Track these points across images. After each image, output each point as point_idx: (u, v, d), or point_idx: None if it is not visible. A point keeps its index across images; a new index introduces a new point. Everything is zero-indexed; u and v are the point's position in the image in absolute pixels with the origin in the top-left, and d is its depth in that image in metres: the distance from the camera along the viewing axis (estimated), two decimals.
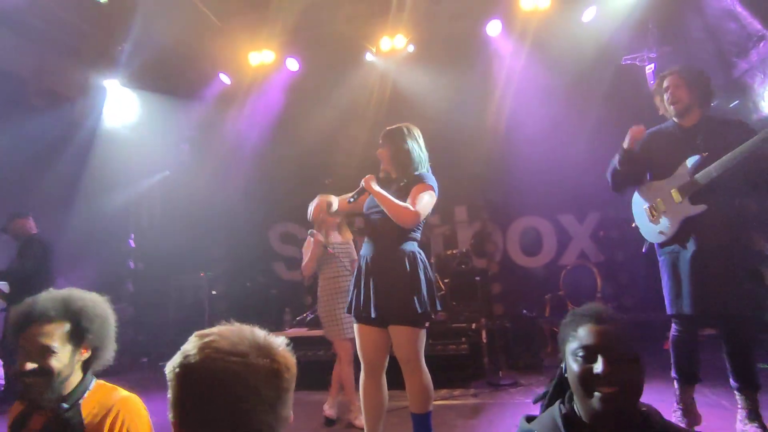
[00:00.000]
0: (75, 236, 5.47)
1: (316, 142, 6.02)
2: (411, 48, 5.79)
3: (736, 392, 2.42)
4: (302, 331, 4.68)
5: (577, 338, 1.21)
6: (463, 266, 4.94)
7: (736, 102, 4.77)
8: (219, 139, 6.44)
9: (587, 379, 1.15)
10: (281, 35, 5.72)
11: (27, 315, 1.41)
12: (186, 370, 0.83)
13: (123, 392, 1.53)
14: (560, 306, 5.20)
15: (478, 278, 4.88)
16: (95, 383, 1.52)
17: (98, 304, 1.56)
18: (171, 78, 5.91)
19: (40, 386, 1.37)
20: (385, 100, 6.17)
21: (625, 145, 2.60)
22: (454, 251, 5.30)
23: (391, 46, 5.74)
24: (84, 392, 1.46)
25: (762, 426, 2.35)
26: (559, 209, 6.14)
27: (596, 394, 1.14)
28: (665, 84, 2.63)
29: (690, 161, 2.44)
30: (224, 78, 6.22)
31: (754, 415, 2.37)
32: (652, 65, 5.30)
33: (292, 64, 6.06)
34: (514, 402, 3.56)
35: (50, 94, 5.63)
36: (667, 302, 2.53)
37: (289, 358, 0.88)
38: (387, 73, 6.07)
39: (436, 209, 5.93)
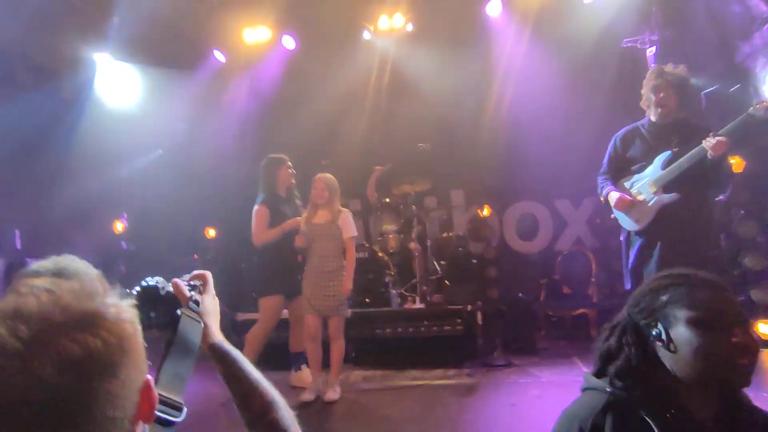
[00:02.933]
0: (65, 216, 5.39)
1: (313, 122, 5.93)
2: (410, 27, 5.68)
3: None
4: None
5: (699, 307, 1.07)
6: (459, 249, 4.92)
7: (737, 86, 4.73)
8: (214, 118, 6.33)
9: (726, 351, 1.03)
10: (277, 12, 5.59)
11: (24, 273, 1.38)
12: None
13: None
14: (555, 291, 5.22)
15: (474, 261, 4.87)
16: None
17: (91, 274, 1.52)
18: (164, 53, 5.76)
19: None
20: (383, 79, 6.08)
21: (611, 204, 2.95)
22: (450, 234, 5.28)
23: (389, 25, 5.64)
24: None
25: None
26: (556, 194, 6.12)
27: (738, 370, 1.03)
28: (658, 86, 2.88)
29: (662, 156, 2.79)
30: (219, 55, 6.09)
31: None
32: (653, 48, 5.23)
33: (289, 42, 5.94)
34: (508, 381, 3.58)
35: (38, 71, 5.48)
36: (629, 279, 2.88)
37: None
38: (385, 53, 5.97)
39: (433, 192, 5.99)
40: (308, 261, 3.50)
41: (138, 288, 0.93)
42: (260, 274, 3.81)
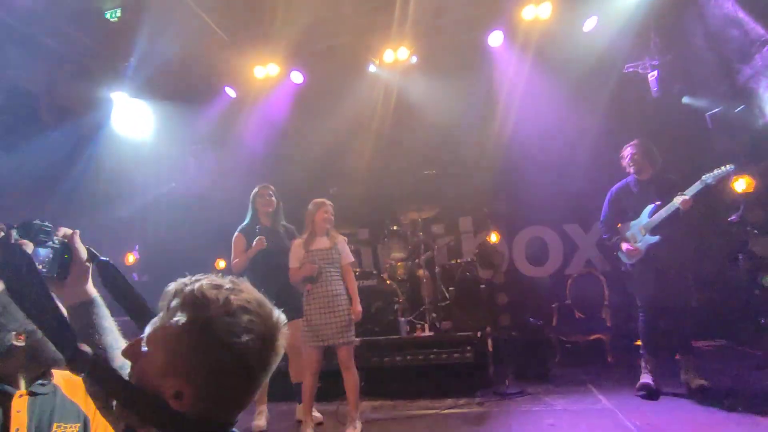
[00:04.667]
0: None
1: (320, 152, 6.05)
2: (414, 59, 5.84)
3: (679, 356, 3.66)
4: None
5: None
6: (467, 274, 4.88)
7: (742, 107, 4.74)
8: (225, 151, 6.50)
9: None
10: (286, 49, 5.81)
11: None
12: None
13: None
14: (567, 316, 5.10)
15: (482, 286, 4.81)
16: None
17: None
18: (178, 91, 6.00)
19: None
20: (388, 110, 6.21)
21: (623, 251, 3.77)
22: (459, 260, 5.24)
23: (394, 58, 5.79)
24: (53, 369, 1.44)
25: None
26: (565, 219, 6.08)
27: None
28: (628, 151, 3.85)
29: (649, 208, 3.68)
30: (230, 91, 6.30)
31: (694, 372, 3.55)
32: (655, 72, 5.30)
33: (297, 77, 6.13)
34: (521, 410, 3.46)
35: (60, 110, 5.73)
36: (640, 297, 3.73)
37: None
38: (390, 84, 6.12)
39: (441, 219, 6.00)
40: (312, 288, 3.45)
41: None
42: None
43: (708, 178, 3.50)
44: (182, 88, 6.04)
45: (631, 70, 5.46)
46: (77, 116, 5.67)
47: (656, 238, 3.61)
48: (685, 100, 5.35)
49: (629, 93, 5.56)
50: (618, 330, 4.84)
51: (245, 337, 0.79)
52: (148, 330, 0.84)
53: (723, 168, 3.50)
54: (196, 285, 0.82)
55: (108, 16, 5.35)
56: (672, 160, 5.30)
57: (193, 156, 6.60)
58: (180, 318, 0.79)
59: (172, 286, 0.85)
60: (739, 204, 4.58)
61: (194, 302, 0.80)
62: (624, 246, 3.73)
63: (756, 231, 4.28)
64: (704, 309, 4.95)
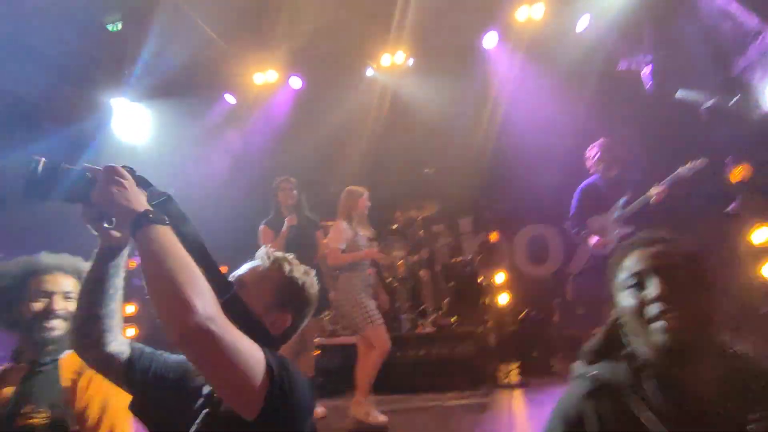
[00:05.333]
0: (80, 255, 5.49)
1: (320, 153, 6.10)
2: (411, 62, 5.92)
3: None
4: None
5: (624, 269, 1.02)
6: (467, 269, 4.87)
7: (737, 97, 4.76)
8: (224, 157, 6.55)
9: (642, 310, 0.94)
10: (284, 55, 5.90)
11: (38, 264, 1.45)
12: None
13: None
14: (569, 311, 5.07)
15: (483, 284, 4.80)
16: None
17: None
18: (177, 99, 6.07)
19: (63, 330, 1.43)
20: (387, 112, 6.27)
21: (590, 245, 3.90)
22: (459, 258, 5.24)
23: (391, 62, 5.87)
24: (63, 351, 1.45)
25: None
26: (566, 216, 6.07)
27: (655, 324, 0.91)
28: (594, 151, 3.99)
29: (621, 201, 3.79)
30: (229, 98, 6.38)
31: None
32: (649, 68, 5.35)
33: (296, 82, 6.21)
34: (524, 400, 3.43)
35: (60, 118, 5.81)
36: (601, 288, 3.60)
37: None
38: (388, 88, 6.20)
39: (441, 218, 6.01)
40: (361, 273, 3.47)
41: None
42: None
43: (683, 170, 3.61)
44: (181, 94, 6.11)
45: (624, 66, 5.51)
46: (76, 122, 5.74)
47: (630, 228, 3.68)
48: (680, 94, 5.38)
49: (623, 89, 5.60)
50: None
51: (308, 287, 1.25)
52: (245, 272, 1.24)
53: (697, 161, 3.63)
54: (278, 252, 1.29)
55: (110, 27, 5.47)
56: (668, 154, 5.34)
57: (192, 161, 6.64)
58: (286, 268, 1.23)
59: (262, 251, 1.27)
60: (736, 195, 4.58)
61: (283, 260, 1.26)
62: (591, 240, 3.84)
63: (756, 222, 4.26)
64: None
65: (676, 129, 5.37)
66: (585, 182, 4.08)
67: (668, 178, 3.62)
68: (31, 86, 5.48)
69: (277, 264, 1.23)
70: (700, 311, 0.92)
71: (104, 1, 5.23)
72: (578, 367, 1.07)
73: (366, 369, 3.28)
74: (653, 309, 0.92)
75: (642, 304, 0.95)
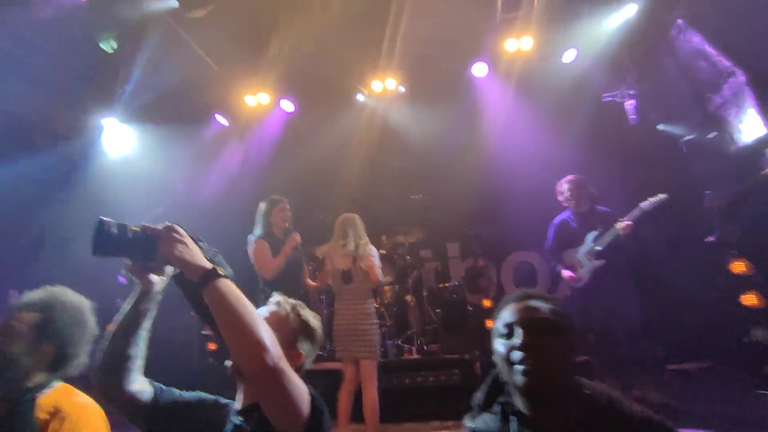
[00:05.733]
0: (69, 274, 5.42)
1: (309, 177, 6.14)
2: (401, 89, 6.04)
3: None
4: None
5: (500, 319, 1.21)
6: (454, 296, 4.89)
7: (714, 134, 4.94)
8: (214, 177, 6.56)
9: (509, 356, 1.10)
10: (276, 79, 5.98)
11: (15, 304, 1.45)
12: None
13: (83, 399, 1.48)
14: None
15: (470, 309, 4.82)
16: (60, 384, 1.48)
17: (76, 305, 1.56)
18: (168, 119, 6.10)
19: None
20: (376, 138, 6.36)
21: (564, 278, 4.02)
22: (446, 284, 5.26)
23: (382, 88, 5.98)
24: (42, 389, 1.43)
25: None
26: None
27: (516, 367, 1.07)
28: (565, 187, 4.14)
29: (591, 235, 3.95)
30: (221, 119, 6.43)
31: None
32: (633, 101, 5.54)
33: (287, 105, 6.29)
34: None
35: (54, 136, 5.80)
36: (582, 321, 3.84)
37: None
38: (379, 113, 6.30)
39: (428, 244, 6.04)
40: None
41: None
42: None
43: (645, 205, 3.79)
44: (173, 115, 6.14)
45: (609, 99, 5.69)
46: (68, 141, 5.73)
47: (601, 262, 3.87)
48: (661, 127, 5.56)
49: (608, 121, 5.77)
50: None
51: (318, 330, 1.48)
52: (267, 315, 1.40)
53: (658, 197, 3.81)
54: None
55: (104, 47, 5.51)
56: (649, 184, 5.48)
57: (183, 182, 6.64)
58: (302, 314, 1.44)
59: (280, 298, 1.47)
60: (715, 225, 4.71)
61: (300, 306, 1.47)
62: (565, 273, 3.99)
63: (734, 252, 4.39)
64: (689, 330, 4.99)
65: (657, 160, 5.53)
66: (558, 218, 4.26)
67: (631, 212, 3.81)
68: (23, 104, 5.49)
69: (295, 310, 1.45)
70: (557, 358, 1.07)
71: (99, 20, 5.27)
72: (466, 420, 1.24)
73: (375, 407, 3.29)
74: (516, 355, 1.08)
75: (509, 350, 1.11)
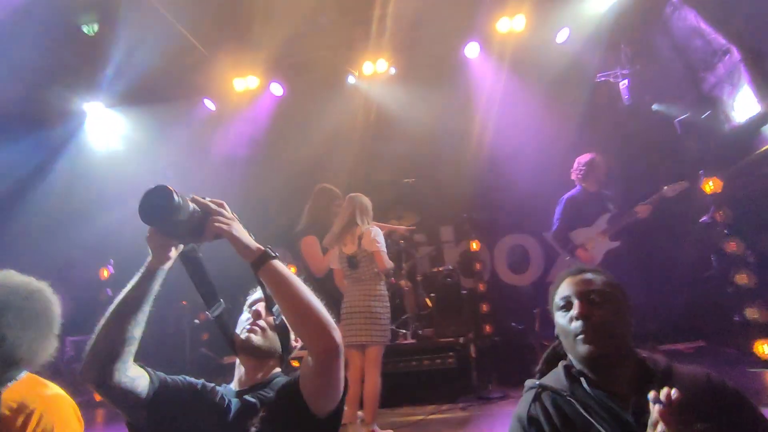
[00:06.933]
0: (53, 262, 5.33)
1: (300, 163, 6.04)
2: (393, 71, 5.92)
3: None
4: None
5: (558, 294, 1.29)
6: (449, 280, 4.86)
7: (708, 113, 4.91)
8: (203, 164, 6.43)
9: (569, 327, 1.19)
10: (265, 62, 5.83)
11: None
12: None
13: (54, 390, 1.36)
14: (549, 320, 5.11)
15: (464, 293, 4.80)
16: (25, 375, 1.35)
17: (16, 289, 1.36)
18: (155, 103, 5.95)
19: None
20: (368, 121, 6.26)
21: (578, 258, 3.92)
22: (440, 268, 5.23)
23: (373, 70, 5.85)
24: (4, 383, 1.29)
25: None
26: (545, 226, 6.13)
27: (578, 338, 1.16)
28: (584, 164, 4.14)
29: (606, 216, 3.95)
30: (209, 104, 6.28)
31: None
32: (626, 81, 5.48)
33: (277, 89, 6.15)
34: (504, 413, 3.43)
35: (33, 121, 5.63)
36: None
37: None
38: (370, 96, 6.18)
39: (422, 228, 6.00)
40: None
41: None
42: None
43: (667, 191, 3.84)
44: (160, 99, 5.99)
45: (603, 79, 5.63)
46: (50, 127, 5.58)
47: (616, 243, 3.91)
48: (655, 107, 5.53)
49: (602, 101, 5.72)
50: None
51: None
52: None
53: (680, 183, 3.88)
54: None
55: (85, 30, 5.32)
56: (644, 164, 5.47)
57: (171, 168, 6.51)
58: None
59: None
60: (710, 206, 4.70)
61: None
62: (580, 253, 3.95)
63: (726, 231, 4.39)
64: (682, 310, 5.02)
65: (652, 140, 5.51)
66: (568, 194, 4.18)
67: (653, 196, 3.83)
68: (6, 89, 5.31)
69: None
70: (612, 327, 1.16)
71: (80, 2, 5.09)
72: (529, 382, 1.31)
73: (376, 393, 3.22)
74: (576, 324, 1.17)
75: (569, 322, 1.19)
